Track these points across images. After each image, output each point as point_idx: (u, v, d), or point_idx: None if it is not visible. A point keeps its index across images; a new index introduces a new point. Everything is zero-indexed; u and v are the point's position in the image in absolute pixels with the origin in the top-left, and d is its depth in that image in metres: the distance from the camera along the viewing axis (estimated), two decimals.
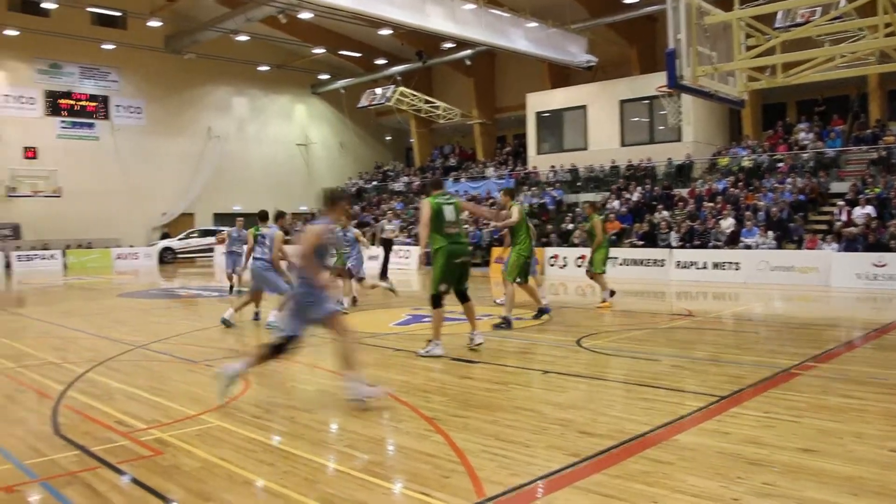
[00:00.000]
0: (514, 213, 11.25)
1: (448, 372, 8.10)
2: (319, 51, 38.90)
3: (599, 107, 32.11)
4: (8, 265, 32.11)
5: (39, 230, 34.58)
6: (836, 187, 23.81)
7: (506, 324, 11.12)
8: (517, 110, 36.20)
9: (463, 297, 9.12)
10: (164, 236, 37.27)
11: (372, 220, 35.21)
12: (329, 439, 5.77)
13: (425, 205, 8.83)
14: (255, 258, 11.58)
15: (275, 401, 6.91)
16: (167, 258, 34.87)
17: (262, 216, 12.80)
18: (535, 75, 35.61)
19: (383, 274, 21.46)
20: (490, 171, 35.85)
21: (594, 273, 14.38)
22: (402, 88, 36.83)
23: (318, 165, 44.78)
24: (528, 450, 5.22)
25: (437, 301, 8.78)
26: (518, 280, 11.40)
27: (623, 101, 31.40)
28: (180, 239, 36.14)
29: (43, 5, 31.96)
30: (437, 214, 8.76)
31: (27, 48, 34.03)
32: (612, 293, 14.40)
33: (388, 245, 21.46)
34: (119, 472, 4.98)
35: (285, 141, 43.53)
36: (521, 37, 29.72)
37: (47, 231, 34.66)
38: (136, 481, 4.79)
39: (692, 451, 5.15)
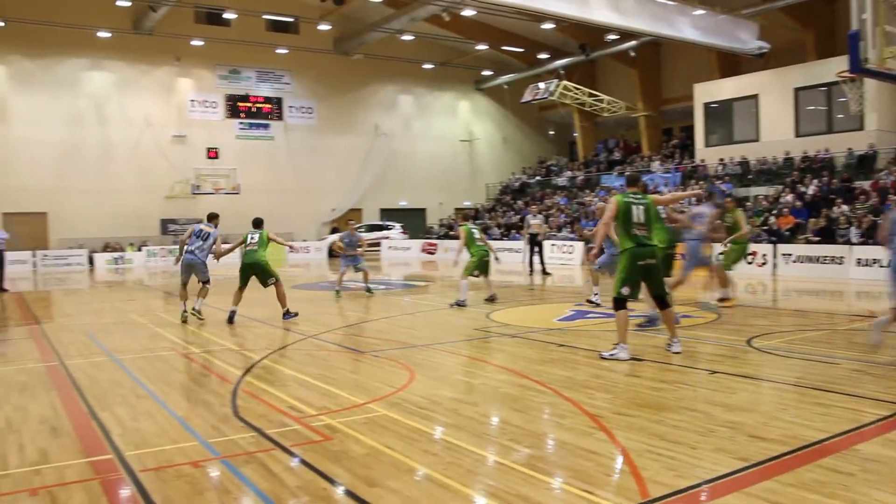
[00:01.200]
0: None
1: (613, 369, 8.00)
2: (482, 47, 39.25)
3: (772, 96, 30.62)
4: None
5: (221, 225, 36.76)
6: None
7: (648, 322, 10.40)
8: (684, 101, 35.11)
9: (661, 303, 8.65)
10: (334, 231, 38.77)
11: (522, 214, 35.21)
12: (492, 432, 5.84)
13: (612, 202, 8.50)
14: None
15: (440, 393, 7.06)
16: (336, 253, 36.22)
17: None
18: (702, 65, 34.41)
19: (533, 267, 21.44)
20: (656, 165, 34.97)
21: (719, 268, 13.20)
22: (565, 82, 36.55)
23: (481, 161, 45.24)
24: (694, 452, 5.09)
25: (618, 304, 8.38)
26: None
27: (798, 89, 29.77)
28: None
29: (224, 16, 34.13)
30: (625, 214, 8.34)
31: (211, 56, 36.52)
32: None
33: (534, 239, 21.44)
34: (292, 454, 5.26)
35: (449, 137, 44.26)
36: (687, 25, 28.78)
37: (227, 226, 36.72)
38: (307, 464, 5.05)
39: (876, 462, 4.84)
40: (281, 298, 12.64)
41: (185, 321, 12.57)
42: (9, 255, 22.65)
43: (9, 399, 7.28)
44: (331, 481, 4.71)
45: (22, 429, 6.15)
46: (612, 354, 8.44)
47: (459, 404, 6.61)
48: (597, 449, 5.21)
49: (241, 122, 38.21)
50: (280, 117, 39.14)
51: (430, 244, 35.68)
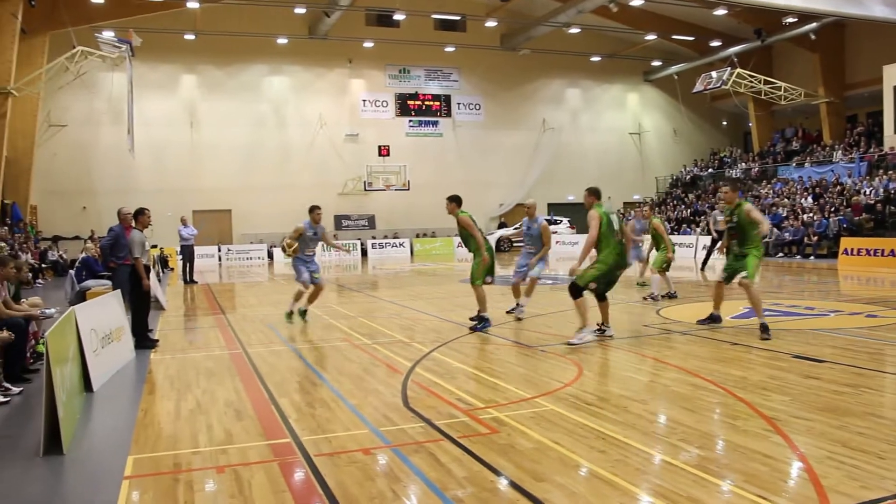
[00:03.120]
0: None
1: (790, 370, 7.62)
2: (651, 37, 38.34)
3: None
4: (364, 252, 35.82)
5: (390, 220, 38.23)
6: None
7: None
8: (871, 85, 32.82)
9: (600, 297, 9.76)
10: (501, 226, 39.08)
11: (708, 209, 34.04)
12: (661, 431, 5.71)
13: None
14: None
15: (609, 389, 6.99)
16: (504, 247, 36.48)
17: None
18: (893, 45, 32.01)
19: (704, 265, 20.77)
20: (838, 155, 32.91)
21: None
22: (738, 70, 35.08)
23: (650, 154, 44.25)
24: (881, 462, 4.76)
25: (577, 292, 9.38)
26: None
27: None
28: (515, 228, 37.58)
29: (394, 17, 35.15)
30: (608, 224, 9.66)
31: (381, 57, 37.77)
32: None
33: (721, 235, 20.64)
34: (460, 445, 5.36)
35: (618, 130, 43.56)
36: (877, 2, 26.92)
37: (397, 221, 38.19)
38: (474, 456, 5.12)
39: None
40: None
41: None
42: (197, 250, 24.35)
43: (198, 383, 7.84)
44: (497, 473, 4.77)
45: (210, 411, 6.62)
46: (580, 339, 9.18)
47: (628, 401, 6.51)
48: (772, 453, 4.99)
49: (411, 120, 39.26)
50: (448, 114, 39.86)
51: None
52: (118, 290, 10.14)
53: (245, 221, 36.23)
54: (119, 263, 10.45)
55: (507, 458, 5.03)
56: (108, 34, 28.42)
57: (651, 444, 5.31)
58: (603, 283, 9.54)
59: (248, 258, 34.33)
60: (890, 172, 27.94)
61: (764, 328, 9.46)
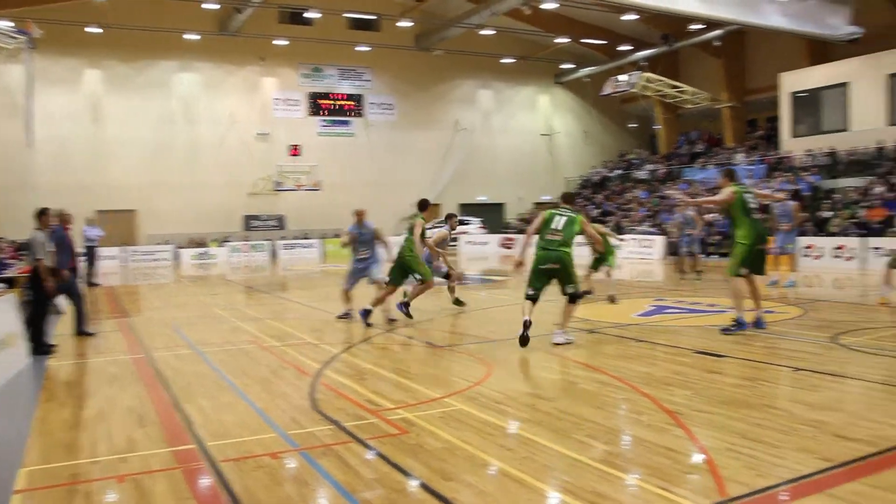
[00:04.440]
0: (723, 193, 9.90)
1: (693, 365, 7.87)
2: (562, 40, 38.95)
3: (863, 83, 29.46)
4: (274, 253, 35.33)
5: (301, 221, 37.81)
6: None
7: (736, 326, 9.71)
8: (769, 91, 34.08)
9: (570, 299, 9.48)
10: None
11: (616, 210, 34.82)
12: (568, 428, 5.80)
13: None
14: None
15: (517, 388, 7.07)
16: None
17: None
18: (789, 53, 33.36)
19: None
20: (739, 157, 34.11)
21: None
22: (647, 74, 35.98)
23: (561, 155, 44.93)
24: (775, 451, 4.97)
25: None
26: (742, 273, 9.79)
27: (892, 76, 28.60)
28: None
29: (307, 15, 34.80)
30: (547, 221, 9.34)
31: (293, 55, 37.32)
32: None
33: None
34: (368, 447, 5.34)
35: (529, 131, 44.09)
36: (775, 12, 28.00)
37: (308, 221, 37.79)
38: (383, 457, 5.11)
39: None
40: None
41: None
42: (100, 251, 23.58)
43: (100, 389, 7.59)
44: (406, 474, 4.77)
45: (111, 418, 6.42)
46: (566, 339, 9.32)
47: (536, 399, 6.60)
48: (675, 446, 5.14)
49: (323, 120, 38.89)
50: (361, 114, 39.65)
51: (509, 239, 35.61)
52: (11, 295, 9.76)
53: (152, 222, 35.19)
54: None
55: (416, 459, 5.04)
56: (4, 24, 27.20)
57: (558, 440, 5.39)
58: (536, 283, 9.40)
59: (153, 259, 33.35)
60: (787, 174, 29.11)
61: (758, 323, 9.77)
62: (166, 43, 34.47)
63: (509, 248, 34.82)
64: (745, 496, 4.22)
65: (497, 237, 36.52)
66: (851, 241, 21.51)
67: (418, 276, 11.55)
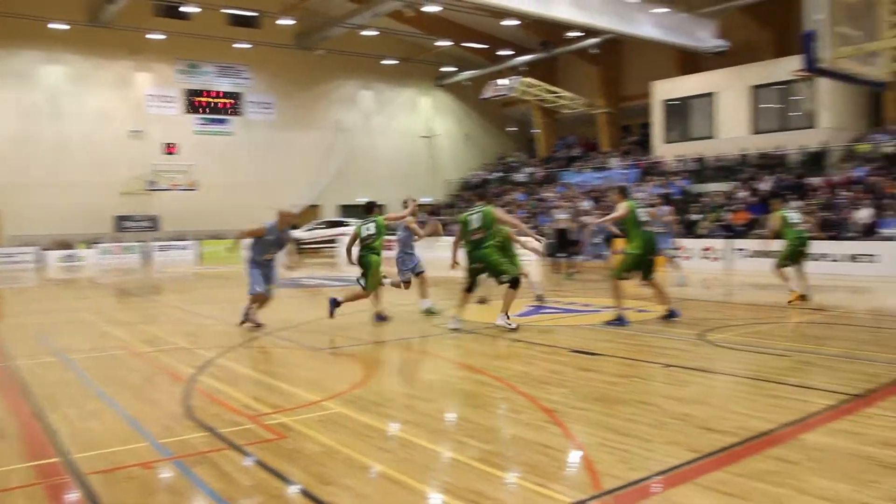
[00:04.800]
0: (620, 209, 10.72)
1: (568, 364, 8.06)
2: (444, 43, 39.26)
3: (729, 93, 31.03)
4: (147, 255, 34.10)
5: (176, 222, 36.59)
6: None
7: (618, 321, 10.54)
8: (643, 99, 35.41)
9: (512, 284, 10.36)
10: (292, 227, 38.41)
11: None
12: (447, 428, 5.84)
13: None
14: None
15: (396, 389, 7.06)
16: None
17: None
18: (662, 62, 34.74)
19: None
20: (614, 162, 35.27)
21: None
22: (526, 79, 36.69)
23: (442, 157, 45.26)
24: (647, 444, 5.14)
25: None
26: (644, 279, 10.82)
27: (754, 87, 30.23)
28: (307, 230, 37.18)
29: (183, 9, 33.78)
30: (465, 224, 10.40)
31: (170, 50, 36.06)
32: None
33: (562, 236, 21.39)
34: (245, 453, 5.20)
35: (410, 133, 44.22)
36: (648, 23, 29.10)
37: (184, 223, 36.61)
38: (260, 463, 4.99)
39: (821, 451, 4.95)
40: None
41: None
42: None
43: None
44: (284, 480, 4.67)
45: None
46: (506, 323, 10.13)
47: (415, 401, 6.60)
48: (551, 443, 5.23)
49: (200, 118, 37.79)
50: (239, 113, 38.76)
51: (389, 241, 35.64)
52: None
53: (14, 222, 33.23)
54: None
55: (294, 464, 4.94)
56: None
57: (437, 441, 5.40)
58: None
59: (14, 262, 31.51)
60: (659, 178, 30.28)
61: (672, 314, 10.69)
62: (30, 31, 32.56)
63: (390, 249, 34.82)
64: (619, 489, 4.34)
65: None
66: (718, 243, 22.59)
67: (362, 282, 11.26)
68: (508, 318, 10.26)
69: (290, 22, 36.00)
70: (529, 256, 14.96)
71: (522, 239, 12.87)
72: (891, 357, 8.14)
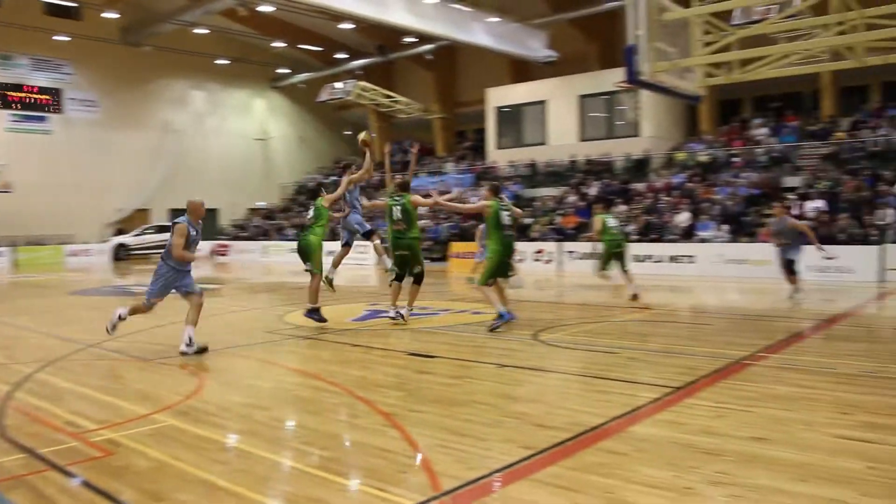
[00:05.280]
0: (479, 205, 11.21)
1: (406, 367, 8.09)
2: (279, 44, 38.59)
3: (559, 102, 32.27)
4: None
5: None
6: (789, 181, 24.21)
7: (499, 319, 10.39)
8: (477, 105, 36.20)
9: (416, 279, 11.21)
10: (119, 232, 36.54)
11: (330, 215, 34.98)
12: (285, 436, 5.72)
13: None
14: None
15: (231, 398, 6.82)
16: (121, 255, 34.12)
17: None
18: (495, 70, 35.67)
19: None
20: (449, 166, 35.84)
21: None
22: (362, 83, 36.66)
23: (276, 160, 44.41)
24: (483, 443, 5.23)
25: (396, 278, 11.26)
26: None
27: (582, 97, 31.60)
28: (135, 235, 35.49)
29: None
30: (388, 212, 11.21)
31: None
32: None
33: None
34: (68, 474, 4.87)
35: (244, 135, 43.08)
36: (482, 31, 29.79)
37: None
38: (85, 483, 4.69)
39: (646, 441, 5.21)
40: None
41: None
42: None
43: None
44: (113, 499, 4.40)
45: None
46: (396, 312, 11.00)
47: (251, 409, 6.41)
48: (390, 447, 5.22)
49: (14, 114, 35.17)
50: (59, 110, 36.42)
51: (222, 245, 34.63)
52: None
53: None
54: None
55: (123, 481, 4.67)
56: None
57: (275, 450, 5.28)
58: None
59: None
60: (492, 183, 30.95)
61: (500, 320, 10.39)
62: None
63: (223, 255, 33.89)
64: (457, 489, 4.38)
65: (210, 244, 35.34)
66: (549, 246, 23.44)
67: (307, 267, 10.96)
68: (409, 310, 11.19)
69: (115, 15, 34.14)
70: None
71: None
72: (708, 351, 8.69)
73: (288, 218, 37.10)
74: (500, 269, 10.73)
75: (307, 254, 10.91)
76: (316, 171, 43.68)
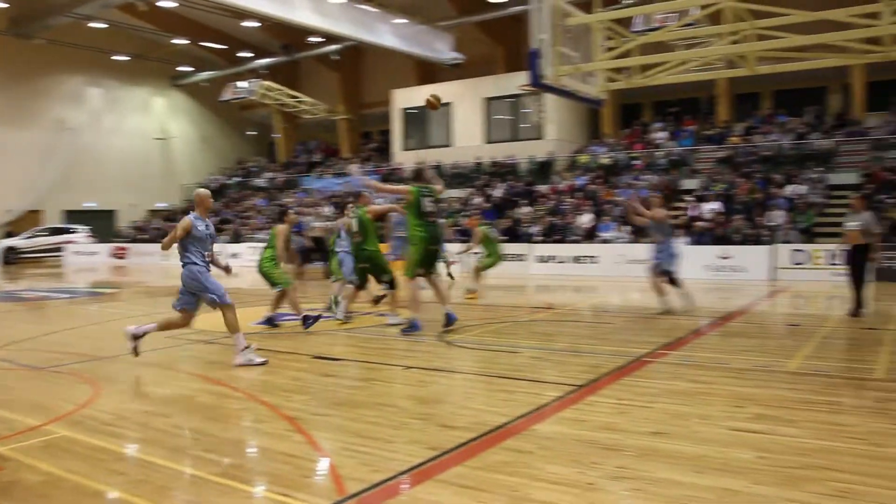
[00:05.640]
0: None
1: (310, 370, 8.00)
2: (180, 41, 37.59)
3: (465, 104, 32.50)
4: None
5: None
6: (687, 184, 25.04)
7: (410, 328, 10.31)
8: (383, 106, 36.17)
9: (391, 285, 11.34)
10: (8, 235, 34.94)
11: (233, 217, 34.44)
12: (186, 444, 5.55)
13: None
14: None
15: (129, 406, 6.60)
16: (11, 259, 32.60)
17: None
18: (401, 72, 35.69)
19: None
20: (354, 168, 35.61)
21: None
22: (266, 82, 36.11)
23: (178, 160, 43.28)
24: (389, 445, 5.21)
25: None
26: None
27: (488, 99, 31.92)
28: (26, 238, 34.01)
29: None
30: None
31: None
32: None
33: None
34: None
35: (143, 135, 41.80)
36: (388, 32, 29.76)
37: None
38: None
39: (550, 439, 5.29)
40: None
41: None
42: None
43: None
44: None
45: None
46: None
47: (150, 417, 6.21)
48: (294, 451, 5.15)
49: None
50: None
51: (121, 248, 33.57)
52: None
53: None
54: None
55: (12, 498, 4.46)
56: None
57: (176, 458, 5.11)
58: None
59: None
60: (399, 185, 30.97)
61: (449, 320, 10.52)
62: None
63: (122, 258, 32.87)
64: (363, 492, 4.35)
65: (108, 247, 34.20)
66: (455, 247, 23.50)
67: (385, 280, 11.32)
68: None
69: (4, 5, 32.60)
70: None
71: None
72: (610, 349, 8.89)
73: None
74: (427, 259, 10.40)
75: (379, 266, 11.26)
76: (219, 171, 42.81)
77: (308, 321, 10.70)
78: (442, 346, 9.39)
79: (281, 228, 11.03)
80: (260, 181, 39.35)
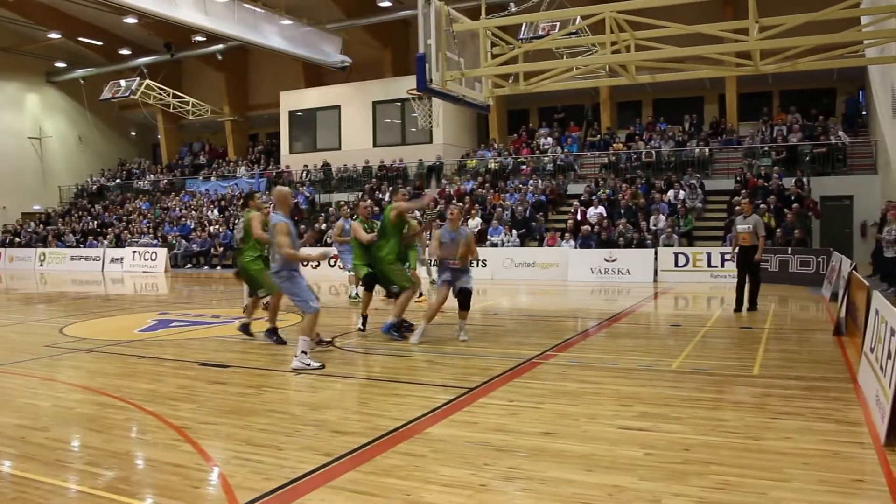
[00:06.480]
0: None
1: (198, 378, 7.80)
2: (55, 36, 35.90)
3: (353, 107, 32.40)
4: None
5: None
6: (572, 189, 25.71)
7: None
8: (270, 108, 35.65)
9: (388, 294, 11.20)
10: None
11: (115, 220, 33.26)
12: (67, 458, 5.31)
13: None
14: None
15: (2, 421, 6.27)
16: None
17: None
18: (289, 74, 35.25)
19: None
20: (241, 170, 35.05)
21: None
22: (148, 81, 34.93)
23: (54, 161, 41.29)
24: (280, 453, 5.15)
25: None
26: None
27: (376, 103, 31.91)
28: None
29: None
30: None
31: None
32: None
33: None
34: None
35: (15, 133, 39.63)
36: (274, 34, 29.31)
37: None
38: None
39: (443, 442, 5.34)
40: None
41: None
42: None
43: None
44: None
45: None
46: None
47: (26, 431, 5.91)
48: (183, 462, 5.03)
49: None
50: None
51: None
52: None
53: None
54: None
55: None
56: None
57: (56, 473, 4.88)
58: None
59: None
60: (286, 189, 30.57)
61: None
62: None
63: None
64: (254, 500, 4.29)
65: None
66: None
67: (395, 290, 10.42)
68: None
69: None
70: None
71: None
72: (501, 351, 9.05)
73: (68, 223, 34.71)
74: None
75: (389, 274, 10.33)
76: (99, 173, 41.19)
77: (275, 338, 9.84)
78: (333, 350, 9.34)
79: (254, 215, 10.13)
80: (143, 184, 38.10)
